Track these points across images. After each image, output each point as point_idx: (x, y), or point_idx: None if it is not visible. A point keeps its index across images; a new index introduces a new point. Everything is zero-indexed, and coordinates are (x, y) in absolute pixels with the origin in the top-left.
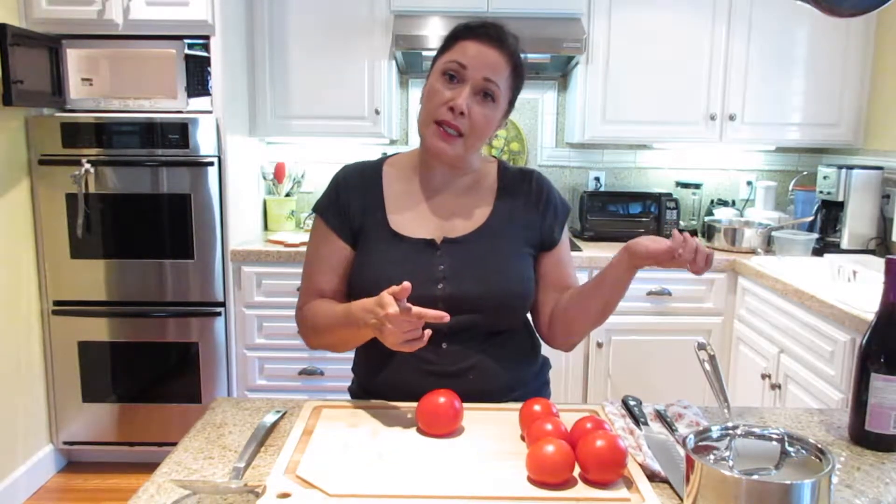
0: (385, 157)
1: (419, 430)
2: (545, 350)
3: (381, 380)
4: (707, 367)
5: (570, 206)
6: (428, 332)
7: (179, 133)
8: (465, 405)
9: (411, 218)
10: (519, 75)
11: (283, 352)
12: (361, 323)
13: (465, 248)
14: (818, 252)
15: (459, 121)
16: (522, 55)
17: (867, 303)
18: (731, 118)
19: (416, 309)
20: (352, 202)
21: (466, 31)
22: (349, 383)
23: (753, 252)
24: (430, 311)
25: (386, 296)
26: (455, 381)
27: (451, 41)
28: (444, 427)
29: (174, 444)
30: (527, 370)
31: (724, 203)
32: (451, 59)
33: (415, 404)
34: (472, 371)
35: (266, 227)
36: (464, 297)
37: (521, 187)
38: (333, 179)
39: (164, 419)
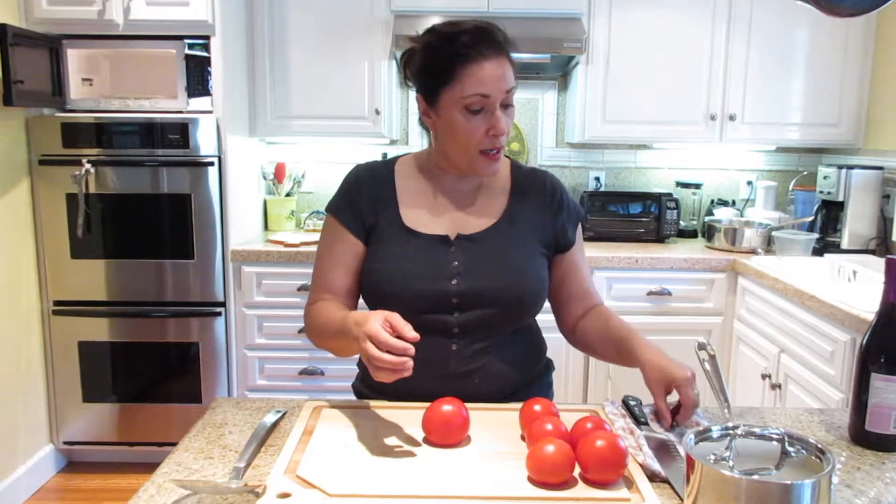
0: (397, 157)
1: (425, 441)
2: (548, 353)
3: None
4: (707, 367)
5: (583, 211)
6: (409, 363)
7: (179, 133)
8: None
9: (425, 215)
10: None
11: (283, 352)
12: (351, 335)
13: (479, 245)
14: (818, 252)
15: (502, 140)
16: (511, 42)
17: (867, 303)
18: (731, 118)
19: (393, 320)
20: (365, 199)
21: (465, 54)
22: (350, 382)
23: (753, 252)
24: (407, 332)
25: (376, 317)
26: (460, 382)
27: (453, 67)
28: (452, 438)
29: (174, 444)
30: (532, 373)
31: (724, 203)
32: (472, 94)
33: (415, 404)
34: (478, 373)
35: (266, 227)
36: (478, 292)
37: (534, 188)
38: (346, 178)
39: (164, 419)
